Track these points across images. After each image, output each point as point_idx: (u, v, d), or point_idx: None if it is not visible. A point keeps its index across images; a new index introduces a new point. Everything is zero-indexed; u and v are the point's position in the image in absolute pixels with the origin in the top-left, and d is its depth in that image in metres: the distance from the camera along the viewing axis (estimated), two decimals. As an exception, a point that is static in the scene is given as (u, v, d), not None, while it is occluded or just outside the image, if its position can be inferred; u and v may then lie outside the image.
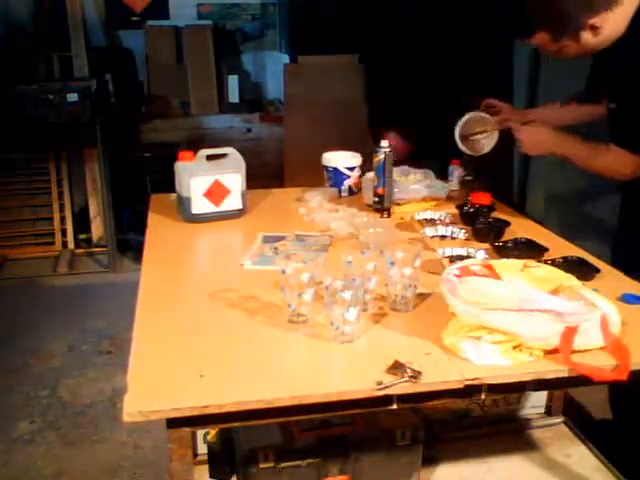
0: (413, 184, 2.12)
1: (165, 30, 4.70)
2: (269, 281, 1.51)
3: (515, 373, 1.19)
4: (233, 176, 2.00)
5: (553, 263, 1.61)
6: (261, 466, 1.60)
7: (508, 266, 1.41)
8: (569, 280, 1.39)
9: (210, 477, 1.82)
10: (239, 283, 1.56)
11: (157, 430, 2.29)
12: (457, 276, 1.32)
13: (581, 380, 1.20)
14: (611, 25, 1.67)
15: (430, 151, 2.60)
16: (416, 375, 1.14)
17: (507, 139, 2.21)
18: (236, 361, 1.22)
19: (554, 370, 1.19)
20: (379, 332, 1.33)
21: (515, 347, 1.20)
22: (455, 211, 2.01)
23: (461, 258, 1.61)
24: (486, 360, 1.19)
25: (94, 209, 4.22)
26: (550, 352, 1.22)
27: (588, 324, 1.23)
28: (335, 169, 2.27)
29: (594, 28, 1.66)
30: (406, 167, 2.27)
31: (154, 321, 1.37)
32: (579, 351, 1.22)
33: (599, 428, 2.14)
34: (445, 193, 2.16)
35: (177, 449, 1.15)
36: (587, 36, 1.68)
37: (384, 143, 2.00)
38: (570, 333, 1.20)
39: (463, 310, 1.22)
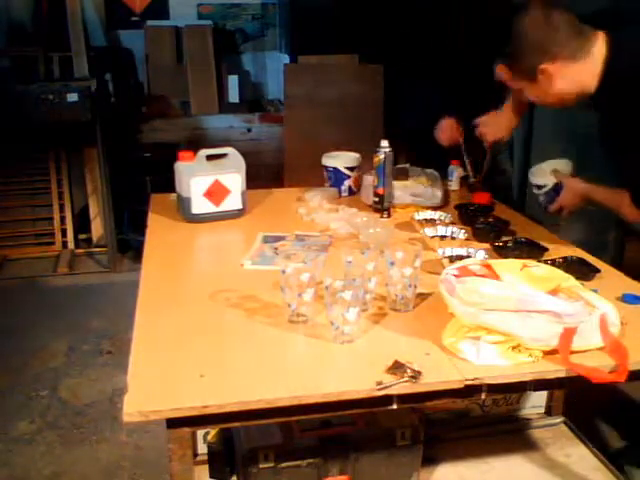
0: (398, 190, 2.10)
1: (165, 30, 4.70)
2: (269, 281, 1.51)
3: (515, 373, 1.19)
4: (233, 176, 2.00)
5: (553, 263, 1.61)
6: (261, 466, 1.60)
7: (507, 265, 1.41)
8: (568, 280, 1.39)
9: (210, 477, 1.82)
10: (239, 283, 1.56)
11: (157, 430, 2.30)
12: (456, 276, 1.32)
13: (581, 381, 1.20)
14: (569, 76, 1.58)
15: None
16: (416, 375, 1.14)
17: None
18: (236, 361, 1.22)
19: (554, 370, 1.19)
20: (379, 332, 1.33)
21: (514, 347, 1.20)
22: (455, 211, 2.01)
23: (461, 258, 1.61)
24: (485, 360, 1.19)
25: (94, 209, 4.22)
26: (549, 353, 1.21)
27: (587, 325, 1.23)
28: (335, 169, 2.27)
29: (545, 73, 1.57)
30: (414, 168, 2.27)
31: (154, 321, 1.37)
32: (578, 352, 1.22)
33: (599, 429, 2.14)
34: (435, 204, 2.09)
35: (177, 449, 1.15)
36: (543, 81, 1.59)
37: (384, 143, 2.00)
38: (569, 334, 1.20)
39: (461, 311, 1.22)
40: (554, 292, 1.34)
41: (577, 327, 1.21)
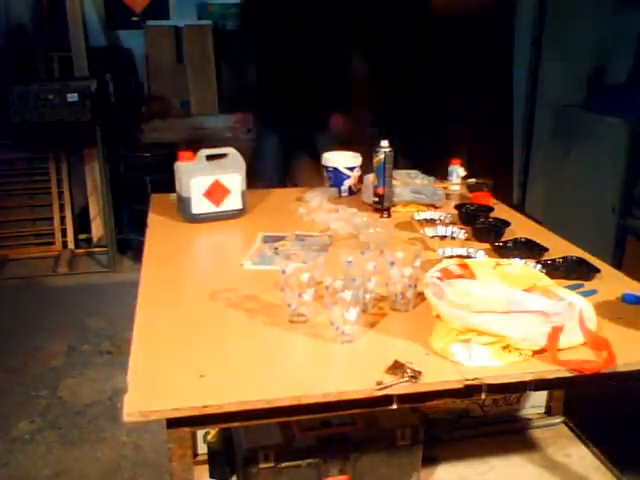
0: (398, 187, 2.10)
1: (165, 30, 4.70)
2: (269, 281, 1.51)
3: (515, 373, 1.19)
4: (233, 176, 2.00)
5: (553, 263, 1.61)
6: (261, 466, 1.60)
7: (481, 265, 1.41)
8: (542, 279, 1.38)
9: (210, 477, 1.82)
10: (239, 283, 1.56)
11: (157, 430, 2.30)
12: (439, 279, 1.32)
13: (581, 380, 1.20)
14: None
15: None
16: (416, 375, 1.14)
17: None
18: (236, 361, 1.22)
19: (554, 370, 1.19)
20: (379, 332, 1.33)
21: (504, 348, 1.20)
22: (455, 211, 2.01)
23: (461, 258, 1.61)
24: (477, 362, 1.19)
25: (94, 209, 4.22)
26: (538, 352, 1.22)
27: (570, 323, 1.23)
28: (335, 169, 2.27)
29: None
30: (414, 171, 2.28)
31: (154, 321, 1.37)
32: (563, 349, 1.22)
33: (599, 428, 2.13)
34: (436, 202, 2.10)
35: (177, 449, 1.15)
36: None
37: (384, 143, 2.00)
38: (556, 333, 1.20)
39: (452, 314, 1.22)
40: (529, 291, 1.34)
41: (564, 325, 1.21)
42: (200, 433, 1.86)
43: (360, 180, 2.26)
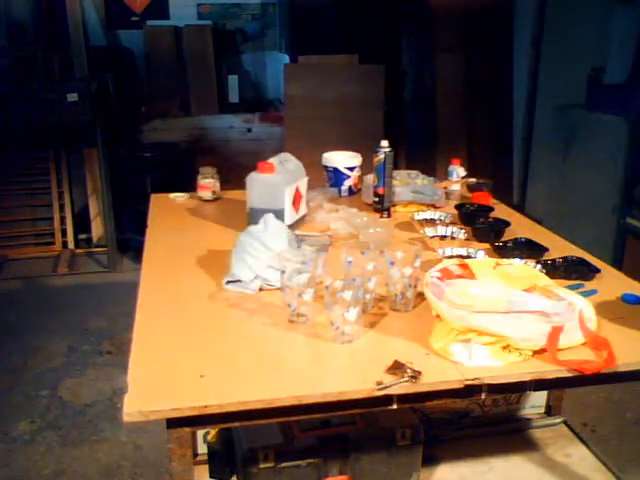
0: (398, 187, 2.10)
1: (165, 30, 4.71)
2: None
3: (515, 373, 1.19)
4: (303, 180, 1.95)
5: (553, 263, 1.61)
6: (261, 466, 1.60)
7: (481, 265, 1.41)
8: (542, 279, 1.38)
9: (210, 477, 1.82)
10: (239, 283, 1.56)
11: (157, 430, 2.30)
12: (439, 279, 1.31)
13: (581, 380, 1.20)
14: None
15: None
16: (416, 375, 1.14)
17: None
18: (236, 361, 1.22)
19: (554, 370, 1.19)
20: (379, 332, 1.33)
21: (504, 348, 1.20)
22: (455, 211, 2.01)
23: (461, 258, 1.61)
24: (477, 362, 1.19)
25: (94, 209, 4.22)
26: (538, 352, 1.22)
27: (570, 323, 1.23)
28: (335, 169, 2.27)
29: None
30: (415, 171, 2.28)
31: (154, 321, 1.37)
32: (563, 349, 1.22)
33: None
34: (436, 202, 2.10)
35: (177, 449, 1.15)
36: None
37: (384, 143, 2.00)
38: (556, 333, 1.20)
39: (452, 314, 1.22)
40: (529, 291, 1.34)
41: (564, 325, 1.21)
42: (200, 433, 1.86)
43: (360, 180, 2.26)
